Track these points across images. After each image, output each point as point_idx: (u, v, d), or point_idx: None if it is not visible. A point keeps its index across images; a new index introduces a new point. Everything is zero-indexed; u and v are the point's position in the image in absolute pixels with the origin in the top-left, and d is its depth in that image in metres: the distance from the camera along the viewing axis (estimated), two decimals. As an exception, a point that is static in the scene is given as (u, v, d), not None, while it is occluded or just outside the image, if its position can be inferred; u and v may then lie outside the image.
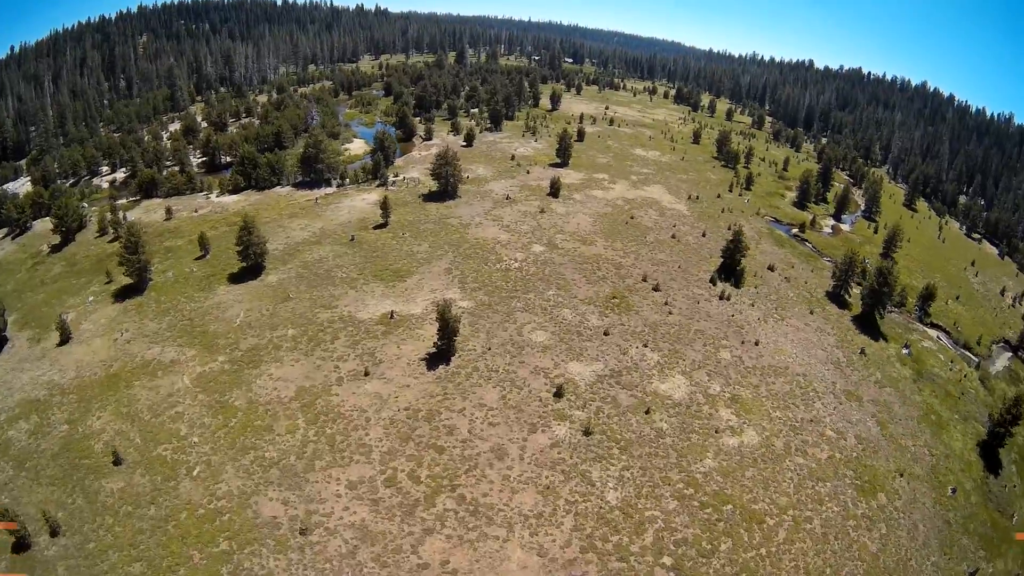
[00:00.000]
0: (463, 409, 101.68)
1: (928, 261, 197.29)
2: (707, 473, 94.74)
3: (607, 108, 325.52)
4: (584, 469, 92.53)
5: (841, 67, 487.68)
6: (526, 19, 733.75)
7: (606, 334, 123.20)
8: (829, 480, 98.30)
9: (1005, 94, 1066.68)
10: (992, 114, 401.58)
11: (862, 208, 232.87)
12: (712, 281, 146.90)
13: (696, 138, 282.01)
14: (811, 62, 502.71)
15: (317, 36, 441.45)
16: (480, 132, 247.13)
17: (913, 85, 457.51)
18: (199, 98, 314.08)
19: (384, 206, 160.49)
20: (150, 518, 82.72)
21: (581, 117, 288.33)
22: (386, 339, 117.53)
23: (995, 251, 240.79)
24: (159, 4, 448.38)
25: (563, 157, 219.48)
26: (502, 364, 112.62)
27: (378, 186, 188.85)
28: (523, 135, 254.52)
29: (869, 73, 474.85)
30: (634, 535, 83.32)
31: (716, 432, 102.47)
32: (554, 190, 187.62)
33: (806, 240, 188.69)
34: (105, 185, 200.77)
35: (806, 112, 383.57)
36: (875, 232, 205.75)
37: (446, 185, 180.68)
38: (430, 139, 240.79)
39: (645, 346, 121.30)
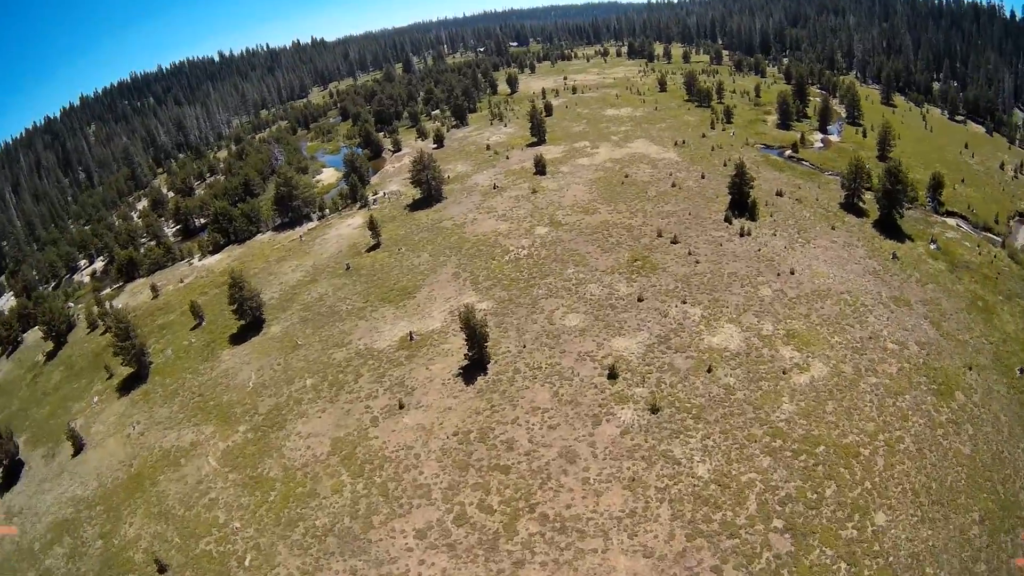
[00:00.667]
0: (516, 419, 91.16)
1: (924, 152, 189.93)
2: (789, 419, 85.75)
3: (565, 79, 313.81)
4: (664, 449, 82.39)
5: None
6: (460, 16, 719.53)
7: (640, 300, 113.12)
8: (906, 392, 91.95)
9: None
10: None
11: (844, 116, 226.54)
12: (727, 220, 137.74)
13: (662, 86, 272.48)
14: None
15: (261, 80, 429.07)
16: (448, 131, 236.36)
17: None
18: (160, 170, 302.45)
19: (372, 226, 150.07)
20: (208, 621, 71.92)
21: (543, 92, 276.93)
22: (412, 363, 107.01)
23: (982, 129, 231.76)
24: (99, 91, 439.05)
25: (538, 135, 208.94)
26: (543, 359, 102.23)
27: (360, 208, 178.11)
28: (491, 123, 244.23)
29: None
30: (737, 506, 74.05)
31: (784, 373, 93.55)
32: (539, 168, 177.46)
33: (802, 159, 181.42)
34: (87, 279, 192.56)
35: (760, 37, 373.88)
36: (864, 136, 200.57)
37: (429, 189, 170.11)
38: (399, 150, 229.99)
39: (684, 303, 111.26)
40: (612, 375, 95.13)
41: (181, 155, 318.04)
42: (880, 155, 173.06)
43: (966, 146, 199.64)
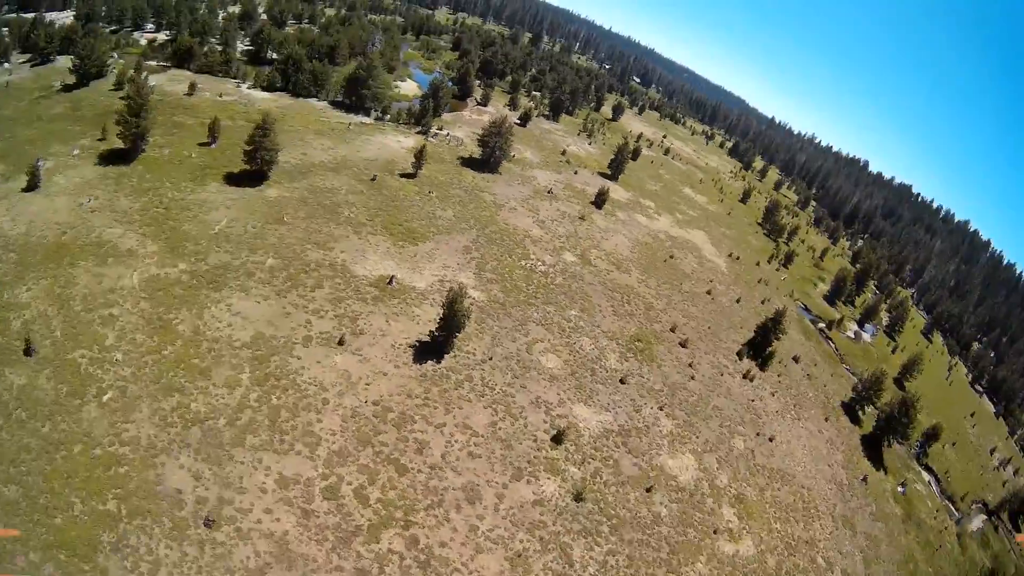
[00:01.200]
0: (443, 425, 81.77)
1: (935, 399, 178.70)
2: None
3: (664, 137, 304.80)
4: (566, 542, 73.25)
5: (892, 178, 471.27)
6: (606, 27, 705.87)
7: (622, 382, 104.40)
8: None
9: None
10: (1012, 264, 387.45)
11: (885, 323, 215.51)
12: (739, 355, 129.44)
13: (745, 197, 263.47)
14: (866, 162, 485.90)
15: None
16: (536, 116, 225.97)
17: (955, 219, 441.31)
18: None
19: (419, 155, 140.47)
20: (41, 436, 64.13)
21: (639, 137, 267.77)
22: (376, 307, 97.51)
23: (992, 408, 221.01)
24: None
25: (615, 170, 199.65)
26: (501, 382, 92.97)
27: (418, 133, 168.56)
28: (578, 134, 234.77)
29: (918, 194, 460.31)
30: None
31: (715, 532, 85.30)
32: (599, 201, 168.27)
33: (831, 339, 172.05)
34: (144, 42, 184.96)
35: (851, 209, 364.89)
36: (893, 352, 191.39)
37: (490, 156, 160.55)
38: (485, 105, 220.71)
39: (661, 409, 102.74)
40: (557, 439, 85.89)
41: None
42: (898, 379, 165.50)
43: (972, 415, 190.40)
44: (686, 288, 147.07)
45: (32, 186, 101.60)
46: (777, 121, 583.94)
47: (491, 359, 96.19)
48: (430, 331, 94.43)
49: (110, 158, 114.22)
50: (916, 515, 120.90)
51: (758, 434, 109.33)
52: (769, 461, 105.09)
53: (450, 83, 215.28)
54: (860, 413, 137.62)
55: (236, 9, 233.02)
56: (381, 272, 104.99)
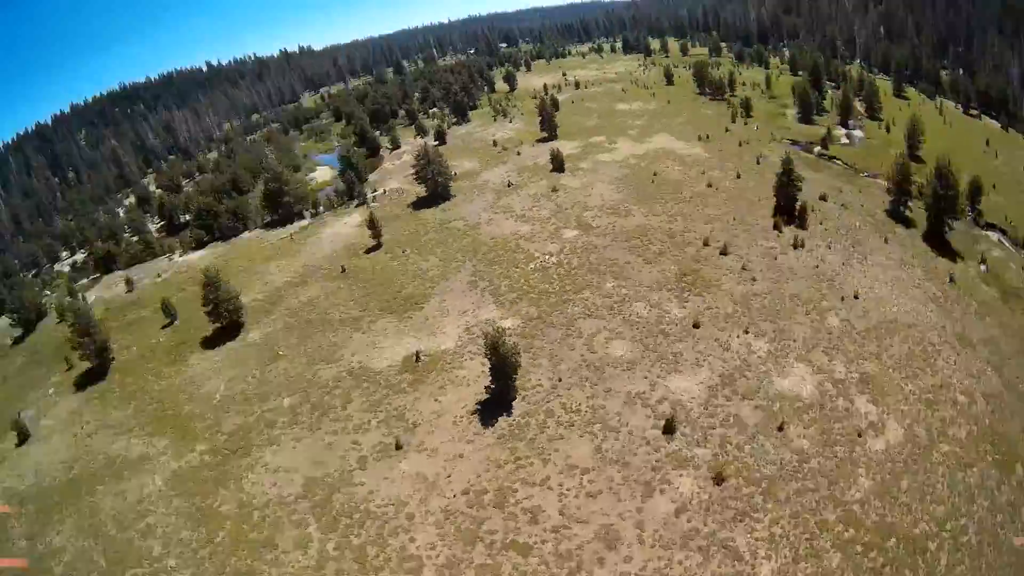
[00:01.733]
0: (547, 479, 68.71)
1: (949, 151, 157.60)
2: (864, 499, 66.30)
3: (564, 75, 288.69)
4: (725, 537, 60.77)
5: None
6: (445, 21, 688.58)
7: (696, 326, 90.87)
8: (975, 465, 73.02)
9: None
10: None
11: (863, 111, 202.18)
12: (776, 228, 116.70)
13: (669, 79, 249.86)
14: None
15: (251, 87, 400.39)
16: (448, 128, 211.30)
17: None
18: (150, 170, 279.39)
19: (372, 224, 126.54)
20: None
21: (545, 88, 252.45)
22: (417, 392, 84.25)
23: (997, 124, 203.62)
24: (88, 99, 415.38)
25: (549, 130, 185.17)
26: (583, 398, 79.54)
27: (358, 206, 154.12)
28: (494, 120, 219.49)
29: None
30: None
31: (859, 436, 73.96)
32: (557, 164, 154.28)
33: (833, 157, 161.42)
34: (67, 270, 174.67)
35: (757, 26, 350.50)
36: (887, 131, 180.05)
37: (435, 186, 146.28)
38: (398, 147, 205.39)
39: (746, 332, 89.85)
40: (669, 428, 73.12)
41: (172, 157, 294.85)
42: (910, 153, 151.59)
43: (987, 143, 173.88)
44: (687, 195, 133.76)
45: (24, 438, 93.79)
46: None
47: (560, 380, 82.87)
48: (484, 386, 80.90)
49: (85, 382, 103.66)
50: (1010, 286, 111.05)
51: (843, 299, 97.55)
52: (867, 321, 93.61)
53: (354, 148, 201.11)
54: (908, 213, 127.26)
55: (131, 200, 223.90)
56: (403, 353, 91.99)
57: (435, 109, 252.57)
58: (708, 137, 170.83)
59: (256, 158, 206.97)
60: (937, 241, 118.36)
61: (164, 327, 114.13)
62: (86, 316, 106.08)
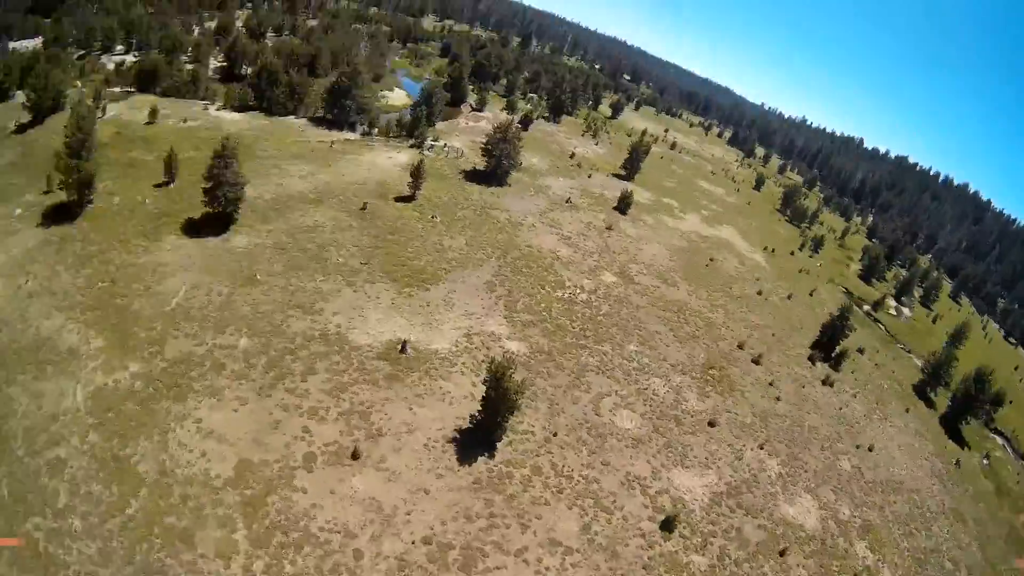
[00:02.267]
0: (524, 549, 55.57)
1: (984, 362, 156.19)
2: None
3: (666, 131, 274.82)
4: None
5: (888, 151, 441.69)
6: (592, 28, 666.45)
7: (712, 425, 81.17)
8: None
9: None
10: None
11: (919, 295, 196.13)
12: (811, 360, 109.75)
13: (758, 185, 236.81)
14: (861, 140, 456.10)
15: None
16: (536, 119, 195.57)
17: (955, 183, 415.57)
18: (250, 3, 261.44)
19: (416, 173, 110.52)
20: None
21: (644, 133, 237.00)
22: (391, 390, 68.76)
23: None
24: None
25: (630, 170, 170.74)
26: (577, 464, 66.66)
27: (412, 147, 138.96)
28: (583, 134, 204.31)
29: (916, 163, 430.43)
30: None
31: None
32: (623, 206, 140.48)
33: (879, 321, 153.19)
34: (111, 66, 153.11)
35: (857, 185, 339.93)
36: (934, 322, 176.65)
37: (497, 166, 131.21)
38: (481, 110, 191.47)
39: (762, 448, 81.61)
40: (668, 525, 62.86)
41: (278, 2, 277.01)
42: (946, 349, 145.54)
43: (1015, 369, 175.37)
44: (737, 293, 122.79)
45: (-32, 267, 73.82)
46: (767, 107, 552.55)
47: (556, 435, 69.03)
48: (471, 414, 66.22)
49: (54, 216, 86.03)
50: (1005, 486, 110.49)
51: (857, 447, 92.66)
52: (876, 474, 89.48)
53: (442, 89, 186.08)
54: (932, 395, 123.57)
55: (213, 24, 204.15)
56: (389, 336, 76.22)
57: (533, 96, 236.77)
58: (773, 251, 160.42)
59: (349, 46, 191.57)
60: (951, 428, 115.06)
61: (158, 185, 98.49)
62: (86, 134, 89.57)
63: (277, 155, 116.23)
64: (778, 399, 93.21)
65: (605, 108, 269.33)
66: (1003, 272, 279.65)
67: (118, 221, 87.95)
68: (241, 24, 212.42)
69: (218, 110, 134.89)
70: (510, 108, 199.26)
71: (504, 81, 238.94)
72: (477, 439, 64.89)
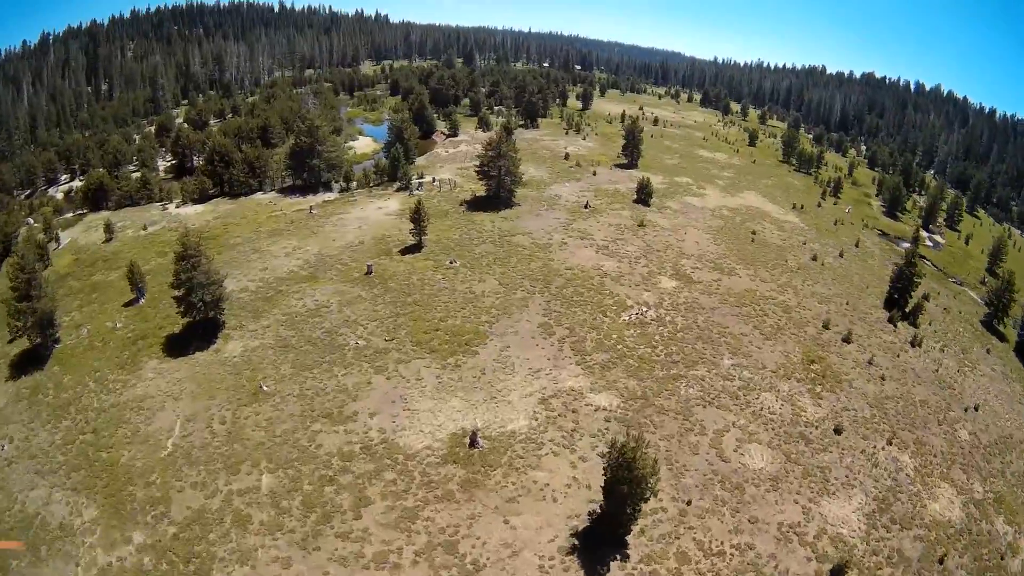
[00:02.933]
0: None
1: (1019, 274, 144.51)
2: None
3: (641, 108, 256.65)
4: None
5: (851, 72, 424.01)
6: (526, 30, 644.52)
7: (838, 431, 65.54)
8: None
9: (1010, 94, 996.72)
10: (1014, 116, 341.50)
11: (943, 219, 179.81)
12: (891, 321, 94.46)
13: (752, 140, 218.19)
14: (823, 67, 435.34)
15: (316, 39, 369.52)
16: (515, 128, 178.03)
17: (927, 89, 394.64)
18: (184, 101, 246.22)
19: (417, 217, 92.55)
20: None
21: (622, 116, 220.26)
22: (474, 503, 51.43)
23: None
24: (151, 8, 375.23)
25: (630, 156, 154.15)
26: (723, 532, 50.94)
27: (399, 190, 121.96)
28: (565, 133, 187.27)
29: (886, 77, 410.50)
30: None
31: (1001, 559, 57.10)
32: (642, 196, 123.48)
33: (924, 257, 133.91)
34: (60, 196, 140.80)
35: (840, 115, 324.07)
36: (966, 243, 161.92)
37: (498, 187, 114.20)
38: (455, 135, 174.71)
39: (890, 443, 66.96)
40: (839, 573, 48.12)
41: (212, 92, 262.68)
42: (990, 269, 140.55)
43: None
44: (793, 264, 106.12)
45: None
46: (720, 60, 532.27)
47: (689, 503, 52.63)
48: (590, 512, 49.59)
49: (22, 365, 70.84)
50: None
51: (966, 409, 78.13)
52: (989, 435, 75.41)
53: (410, 122, 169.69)
54: (1000, 326, 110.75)
55: (152, 128, 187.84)
56: (449, 428, 58.78)
57: (501, 107, 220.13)
58: (802, 208, 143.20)
59: (296, 109, 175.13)
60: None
61: (128, 304, 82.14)
62: (30, 270, 73.05)
63: (253, 237, 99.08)
64: (883, 379, 77.78)
65: (574, 102, 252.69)
66: (1007, 172, 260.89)
67: (90, 356, 71.81)
68: (181, 119, 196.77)
69: (177, 207, 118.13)
70: (484, 125, 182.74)
71: (466, 101, 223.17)
72: (601, 538, 47.73)
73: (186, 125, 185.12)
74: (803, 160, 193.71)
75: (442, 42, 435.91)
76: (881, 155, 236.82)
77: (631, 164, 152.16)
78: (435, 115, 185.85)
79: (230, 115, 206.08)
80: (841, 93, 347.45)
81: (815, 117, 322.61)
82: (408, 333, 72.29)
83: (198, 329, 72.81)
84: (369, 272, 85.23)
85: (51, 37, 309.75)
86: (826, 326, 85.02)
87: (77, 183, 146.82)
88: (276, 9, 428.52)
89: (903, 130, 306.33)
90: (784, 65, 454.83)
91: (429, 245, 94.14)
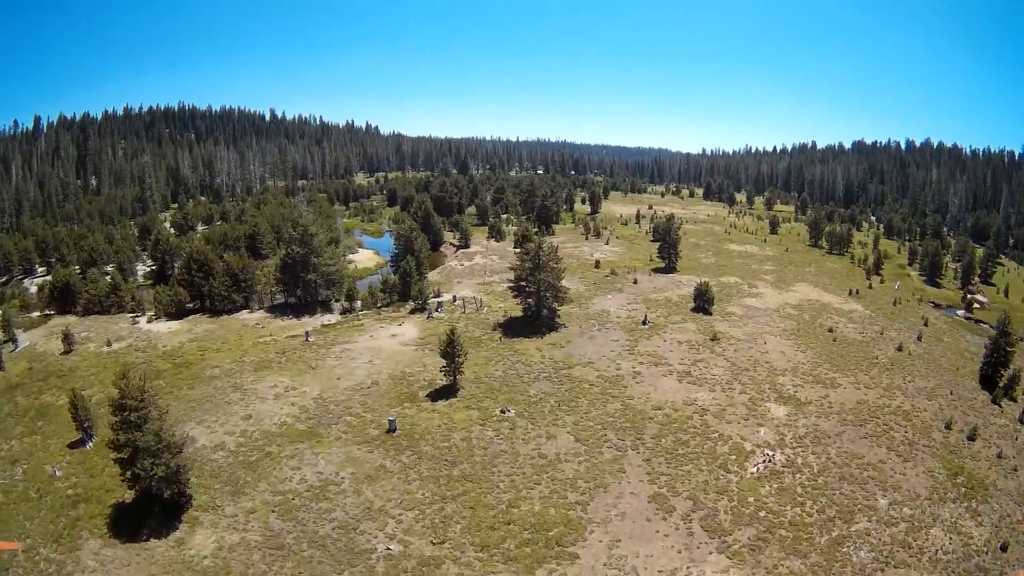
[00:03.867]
0: None
1: None
2: None
3: (651, 207, 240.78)
4: None
5: (840, 144, 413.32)
6: (513, 139, 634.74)
7: (1003, 549, 49.20)
8: None
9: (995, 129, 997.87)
10: (1002, 150, 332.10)
11: (978, 274, 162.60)
12: (995, 401, 79.19)
13: (773, 228, 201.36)
14: (814, 143, 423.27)
15: (307, 149, 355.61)
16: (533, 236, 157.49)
17: (916, 145, 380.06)
18: (174, 205, 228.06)
19: (450, 351, 67.96)
20: None
21: (637, 216, 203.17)
22: None
23: None
24: (143, 108, 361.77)
25: (668, 259, 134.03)
26: None
27: (414, 311, 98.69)
28: (586, 238, 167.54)
29: (876, 142, 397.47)
30: None
31: None
32: (701, 303, 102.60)
33: (981, 321, 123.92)
34: (34, 289, 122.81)
35: (844, 189, 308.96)
36: (1006, 296, 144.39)
37: (538, 306, 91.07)
38: (467, 246, 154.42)
39: None
40: None
41: (203, 197, 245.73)
42: None
43: None
44: (883, 359, 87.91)
45: None
46: (708, 151, 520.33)
47: None
48: None
49: None
50: None
51: None
52: None
53: (419, 231, 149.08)
54: None
55: (134, 230, 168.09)
56: None
57: (507, 214, 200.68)
58: (859, 293, 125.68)
59: (289, 216, 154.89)
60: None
61: (73, 445, 59.48)
62: None
63: (234, 369, 75.45)
64: (1015, 469, 61.85)
65: (580, 206, 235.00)
66: (1020, 212, 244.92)
67: (22, 509, 49.99)
68: (167, 223, 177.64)
69: (149, 322, 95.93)
70: (496, 234, 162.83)
71: (471, 209, 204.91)
72: None
73: (171, 228, 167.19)
74: (835, 241, 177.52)
75: (434, 153, 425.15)
76: (895, 222, 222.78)
77: (670, 267, 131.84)
78: (442, 224, 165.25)
79: (219, 221, 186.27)
80: (841, 166, 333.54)
81: (819, 194, 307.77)
82: (465, 529, 47.62)
83: (154, 504, 48.74)
84: (392, 429, 60.84)
85: (43, 123, 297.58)
86: (948, 426, 67.82)
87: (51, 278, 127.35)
88: (267, 118, 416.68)
89: (910, 192, 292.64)
90: (776, 148, 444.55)
91: (466, 386, 70.39)
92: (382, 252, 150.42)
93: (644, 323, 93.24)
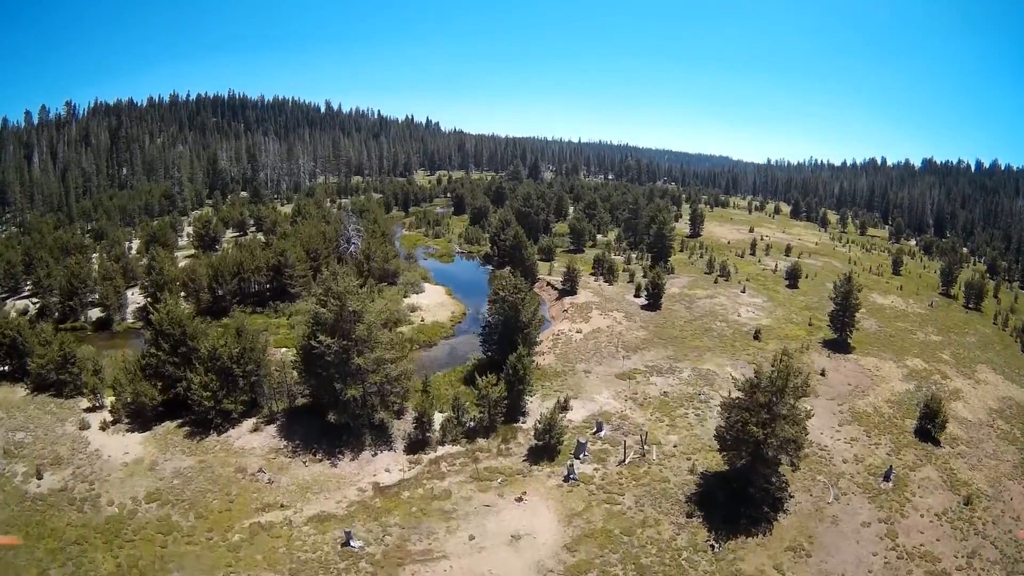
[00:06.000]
0: None
1: None
2: None
3: (752, 230, 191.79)
4: None
5: (906, 160, 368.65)
6: (575, 139, 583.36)
7: None
8: None
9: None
10: None
11: None
12: None
13: (896, 268, 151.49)
14: (884, 160, 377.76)
15: (364, 144, 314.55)
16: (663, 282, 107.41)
17: (986, 166, 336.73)
18: (209, 200, 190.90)
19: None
20: None
21: (753, 247, 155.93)
22: None
23: None
24: (191, 96, 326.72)
25: (841, 330, 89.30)
26: None
27: (535, 456, 55.49)
28: (715, 282, 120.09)
29: (947, 161, 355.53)
30: None
31: None
32: (925, 424, 61.48)
33: None
34: (13, 314, 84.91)
35: (935, 216, 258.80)
36: None
37: (754, 470, 48.31)
38: (573, 291, 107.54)
39: None
40: None
41: (244, 192, 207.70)
42: None
43: None
44: None
45: None
46: (773, 161, 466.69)
47: None
48: None
49: None
50: None
51: None
52: None
53: (491, 267, 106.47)
54: None
55: (139, 242, 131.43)
56: None
57: (602, 236, 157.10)
58: None
59: (331, 235, 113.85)
60: None
61: None
62: None
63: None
64: None
65: (679, 227, 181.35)
66: None
67: None
68: (189, 227, 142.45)
69: (104, 428, 56.34)
70: (606, 273, 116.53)
71: (561, 225, 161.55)
72: None
73: (191, 236, 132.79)
74: (970, 293, 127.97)
75: (498, 152, 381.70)
76: (992, 256, 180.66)
77: (842, 341, 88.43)
78: (533, 252, 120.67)
79: (252, 228, 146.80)
80: (936, 189, 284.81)
81: (908, 220, 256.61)
82: None
83: None
84: None
85: (76, 109, 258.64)
86: None
87: (32, 303, 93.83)
88: (322, 110, 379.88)
89: (1002, 222, 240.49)
90: (845, 162, 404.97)
91: None
92: (455, 288, 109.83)
93: (887, 479, 51.15)
